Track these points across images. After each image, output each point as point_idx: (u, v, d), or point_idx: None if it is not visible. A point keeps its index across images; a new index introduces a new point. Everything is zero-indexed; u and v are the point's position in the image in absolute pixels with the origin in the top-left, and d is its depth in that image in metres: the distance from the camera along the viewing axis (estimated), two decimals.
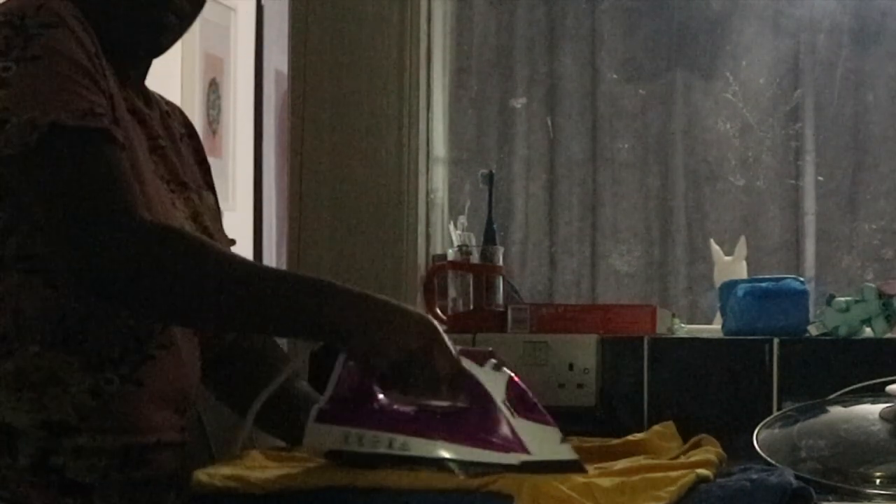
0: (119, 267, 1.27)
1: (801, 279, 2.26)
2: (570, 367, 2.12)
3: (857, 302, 2.11)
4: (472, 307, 2.28)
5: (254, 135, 4.08)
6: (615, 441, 1.66)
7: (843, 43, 3.90)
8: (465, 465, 1.30)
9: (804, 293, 2.18)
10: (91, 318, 1.34)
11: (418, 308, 2.26)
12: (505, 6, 4.04)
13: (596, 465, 1.43)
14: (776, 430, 1.75)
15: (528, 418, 1.33)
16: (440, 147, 2.42)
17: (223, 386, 1.63)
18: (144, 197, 1.36)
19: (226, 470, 1.39)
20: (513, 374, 1.37)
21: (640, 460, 1.48)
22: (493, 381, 1.34)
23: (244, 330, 1.50)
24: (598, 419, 2.09)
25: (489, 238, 2.32)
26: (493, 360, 1.37)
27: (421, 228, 2.33)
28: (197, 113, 3.64)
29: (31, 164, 1.28)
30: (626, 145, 4.03)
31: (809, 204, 3.91)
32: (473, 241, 2.32)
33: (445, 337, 1.35)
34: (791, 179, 3.93)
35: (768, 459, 1.62)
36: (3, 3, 1.40)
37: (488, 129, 4.01)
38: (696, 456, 1.49)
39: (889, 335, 2.11)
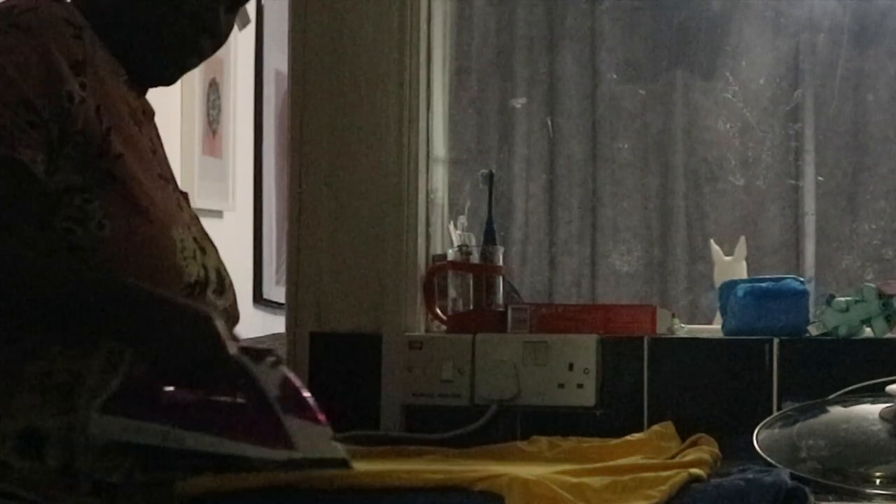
0: None
1: (801, 279, 2.26)
2: (570, 367, 2.12)
3: (857, 302, 2.11)
4: (472, 307, 2.28)
5: (254, 135, 4.08)
6: (614, 441, 1.66)
7: (843, 43, 3.90)
8: (231, 460, 1.31)
9: (804, 293, 2.18)
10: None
11: (417, 308, 2.28)
12: (505, 6, 4.04)
13: (592, 465, 1.43)
14: (776, 430, 1.75)
15: (299, 416, 1.34)
16: (440, 147, 2.42)
17: None
18: (152, 200, 1.37)
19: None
20: (288, 373, 1.38)
21: (636, 460, 1.48)
22: (268, 378, 1.34)
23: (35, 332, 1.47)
24: (598, 419, 2.09)
25: (489, 238, 2.32)
26: (272, 358, 1.37)
27: (421, 228, 2.33)
28: (197, 113, 3.63)
29: None
30: (626, 145, 4.03)
31: (809, 204, 3.91)
32: (473, 241, 2.32)
33: (221, 331, 1.34)
34: (791, 179, 3.93)
35: (768, 459, 1.62)
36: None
37: (488, 129, 4.01)
38: (690, 455, 1.49)
39: (889, 335, 2.11)
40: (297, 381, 1.37)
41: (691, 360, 2.10)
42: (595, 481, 1.31)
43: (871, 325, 2.12)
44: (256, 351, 1.36)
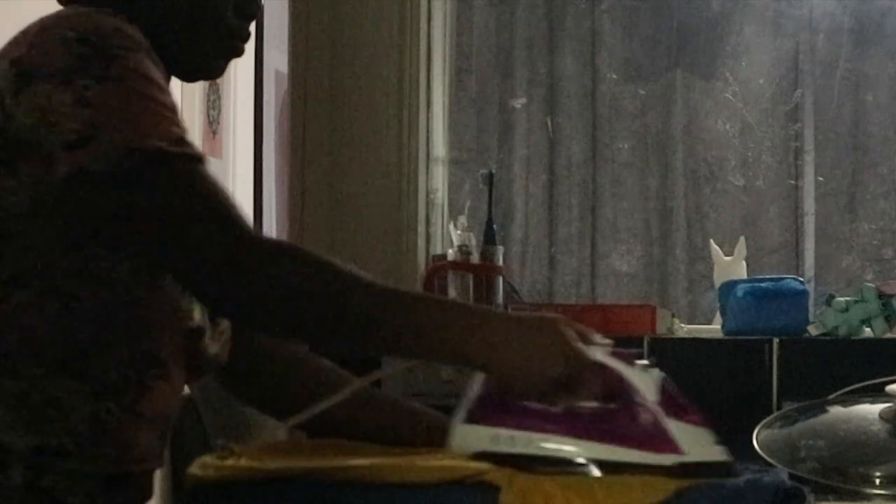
0: (244, 288, 1.27)
1: (801, 279, 2.26)
2: None
3: (856, 302, 2.11)
4: None
5: (254, 135, 4.08)
6: None
7: (842, 43, 3.91)
8: (618, 466, 1.28)
9: (804, 293, 2.18)
10: (96, 344, 1.34)
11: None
12: (505, 6, 4.05)
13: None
14: (776, 430, 1.75)
15: (680, 419, 1.32)
16: (440, 147, 2.42)
17: (265, 395, 1.61)
18: None
19: (217, 462, 1.39)
20: (664, 375, 1.35)
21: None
22: (645, 382, 1.32)
23: (365, 350, 1.49)
24: None
25: (489, 238, 2.32)
26: (644, 361, 1.34)
27: (421, 228, 2.33)
28: (197, 113, 3.64)
29: (125, 185, 1.28)
30: (626, 145, 4.03)
31: (809, 204, 3.91)
32: (473, 241, 2.32)
33: (572, 341, 1.32)
34: (791, 179, 3.93)
35: (768, 459, 1.62)
36: (63, 18, 1.39)
37: (488, 129, 4.02)
38: None
39: (889, 335, 2.11)
40: (672, 384, 1.34)
41: (691, 359, 2.10)
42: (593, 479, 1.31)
43: (870, 325, 2.12)
44: (627, 354, 1.33)
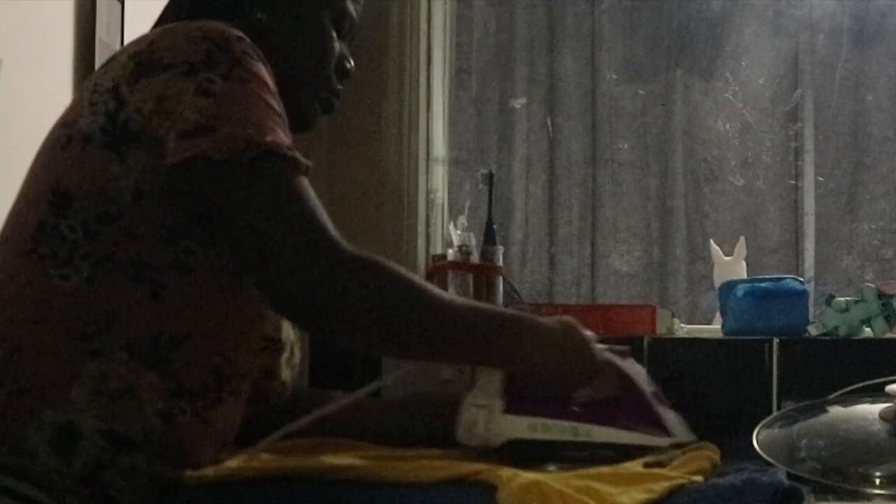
0: (325, 297, 1.31)
1: (801, 279, 2.26)
2: None
3: (856, 302, 2.11)
4: None
5: None
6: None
7: (842, 43, 3.91)
8: (630, 448, 1.47)
9: (804, 293, 2.18)
10: (186, 342, 1.34)
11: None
12: (505, 6, 4.05)
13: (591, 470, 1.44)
14: (776, 430, 1.75)
15: (664, 405, 1.53)
16: (440, 147, 2.42)
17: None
18: None
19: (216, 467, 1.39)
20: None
21: (637, 467, 1.48)
22: (639, 375, 1.53)
23: (424, 359, 1.55)
24: None
25: (489, 238, 2.32)
26: (630, 358, 1.55)
27: (421, 228, 2.33)
28: None
29: (236, 175, 1.30)
30: (626, 145, 4.03)
31: (809, 204, 3.91)
32: (473, 241, 2.32)
33: (608, 356, 1.51)
34: (791, 179, 3.93)
35: (768, 459, 1.62)
36: (187, 22, 1.40)
37: (488, 129, 4.02)
38: (691, 463, 1.49)
39: (889, 335, 2.11)
40: (649, 377, 1.55)
41: (691, 360, 2.10)
42: (591, 477, 1.32)
43: (870, 325, 2.12)
44: (616, 350, 1.53)
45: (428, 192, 2.36)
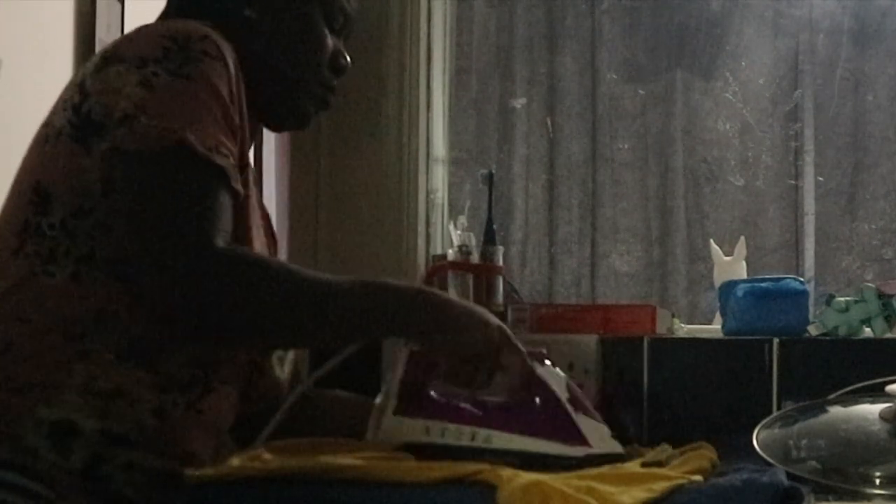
0: (192, 294, 1.29)
1: (801, 279, 2.26)
2: (570, 367, 2.12)
3: (856, 302, 2.11)
4: None
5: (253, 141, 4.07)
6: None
7: (842, 43, 3.90)
8: (537, 458, 1.39)
9: (804, 293, 2.18)
10: (170, 339, 1.34)
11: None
12: (505, 6, 4.05)
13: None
14: (776, 430, 1.75)
15: (585, 414, 1.43)
16: (440, 147, 2.42)
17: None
18: (250, 245, 1.40)
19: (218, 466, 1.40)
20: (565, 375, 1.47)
21: (636, 468, 1.48)
22: (555, 380, 1.43)
23: (319, 345, 1.53)
24: None
25: (489, 238, 2.32)
26: (548, 361, 1.46)
27: (421, 228, 2.33)
28: None
29: (142, 167, 1.29)
30: (626, 145, 4.03)
31: (809, 204, 3.91)
32: (473, 241, 2.32)
33: (515, 339, 1.42)
34: (791, 179, 3.93)
35: (768, 459, 1.62)
36: (161, 22, 1.41)
37: (488, 129, 4.01)
38: (690, 462, 1.49)
39: (889, 335, 2.11)
40: (573, 382, 1.46)
41: (691, 360, 2.10)
42: (594, 477, 1.32)
43: (870, 325, 2.12)
44: (531, 353, 1.44)
45: (428, 192, 2.36)
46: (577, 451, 1.40)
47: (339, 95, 2.29)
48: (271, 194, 4.17)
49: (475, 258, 2.30)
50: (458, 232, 2.33)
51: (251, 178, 1.51)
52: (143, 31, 1.39)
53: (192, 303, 1.29)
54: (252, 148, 1.59)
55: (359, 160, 2.29)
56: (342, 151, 2.29)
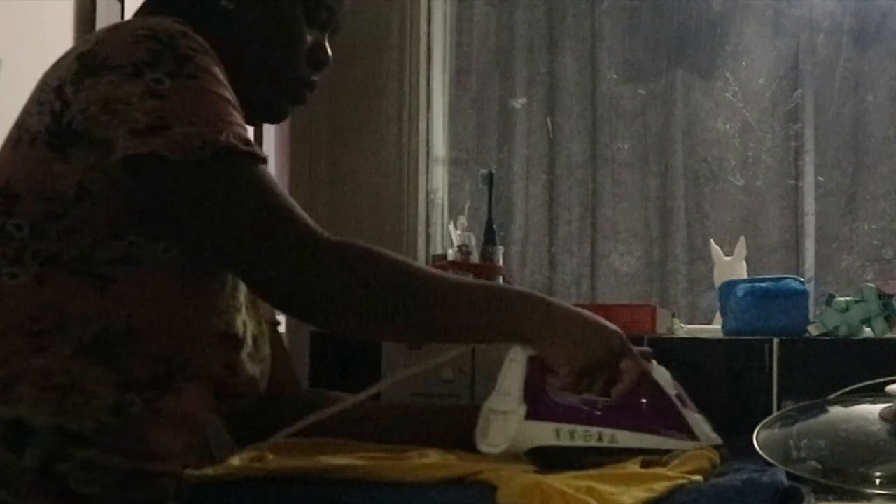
0: (308, 285, 1.31)
1: (801, 279, 2.26)
2: None
3: (856, 302, 2.11)
4: None
5: (254, 135, 4.08)
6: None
7: (843, 43, 3.90)
8: (659, 453, 1.45)
9: (804, 293, 2.18)
10: (132, 334, 1.34)
11: None
12: (505, 6, 4.04)
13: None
14: (776, 430, 1.75)
15: (690, 409, 1.51)
16: (440, 147, 2.42)
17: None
18: None
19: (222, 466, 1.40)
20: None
21: (636, 468, 1.49)
22: (664, 378, 1.51)
23: (428, 339, 1.53)
24: None
25: (489, 238, 2.32)
26: (654, 360, 1.53)
27: (421, 228, 2.33)
28: None
29: (197, 177, 1.29)
30: (626, 145, 4.03)
31: (809, 204, 3.91)
32: (473, 241, 2.32)
33: (631, 346, 1.47)
34: (791, 179, 3.93)
35: (768, 459, 1.62)
36: (133, 20, 1.41)
37: (488, 129, 4.01)
38: (690, 462, 1.49)
39: (889, 335, 2.11)
40: (674, 381, 1.53)
41: (691, 360, 2.10)
42: (594, 477, 1.32)
43: (871, 325, 2.12)
44: (641, 353, 1.50)
45: (428, 192, 2.36)
46: (689, 444, 1.47)
47: (338, 96, 2.29)
48: None
49: (475, 258, 2.30)
50: (458, 232, 2.33)
51: None
52: (118, 31, 1.37)
53: (313, 293, 1.31)
54: None
55: (359, 160, 2.29)
56: (342, 151, 2.29)
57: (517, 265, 3.94)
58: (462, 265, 2.30)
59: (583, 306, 1.50)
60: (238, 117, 1.35)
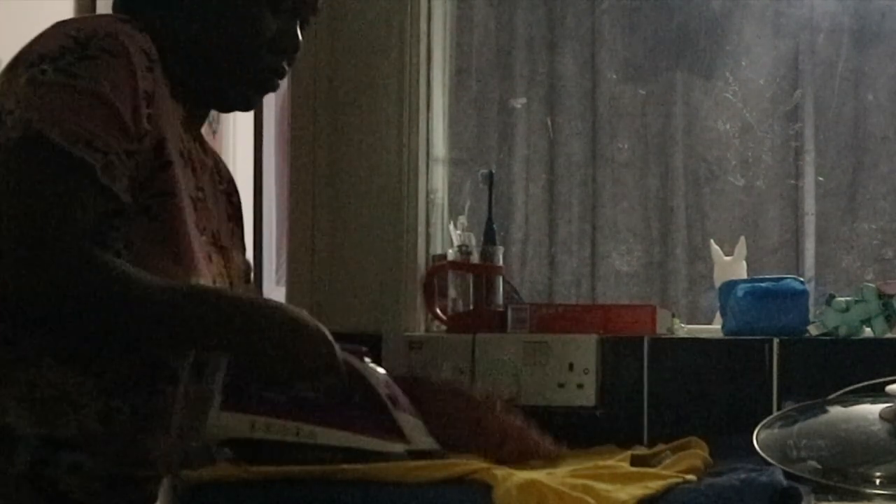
0: (40, 291, 1.25)
1: (801, 279, 2.26)
2: (570, 367, 2.12)
3: (856, 302, 2.11)
4: (471, 307, 2.28)
5: (254, 135, 4.08)
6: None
7: (843, 43, 3.90)
8: (358, 453, 1.41)
9: (804, 293, 2.18)
10: (110, 342, 1.34)
11: (417, 308, 2.28)
12: (505, 6, 4.05)
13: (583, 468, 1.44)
14: (776, 430, 1.75)
15: (403, 411, 1.47)
16: (440, 147, 2.42)
17: None
18: (181, 244, 1.37)
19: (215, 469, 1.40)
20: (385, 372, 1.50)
21: (627, 467, 1.49)
22: (375, 378, 1.46)
23: (146, 345, 1.47)
24: (598, 419, 2.09)
25: (489, 238, 2.32)
26: (369, 359, 1.48)
27: (421, 228, 2.33)
28: None
29: (6, 156, 1.28)
30: (626, 145, 4.03)
31: (809, 204, 3.91)
32: (473, 241, 2.32)
33: (336, 348, 1.41)
34: (791, 179, 3.93)
35: (768, 459, 1.62)
36: (76, 19, 1.40)
37: (488, 129, 4.01)
38: (683, 462, 1.49)
39: (889, 335, 2.10)
40: (390, 380, 1.49)
41: (691, 360, 2.10)
42: (589, 475, 1.32)
43: (871, 325, 2.12)
44: (352, 350, 1.46)
45: (428, 192, 2.36)
46: (397, 446, 1.44)
47: (339, 95, 2.29)
48: (271, 194, 4.18)
49: (475, 258, 2.30)
50: (458, 232, 2.33)
51: (197, 168, 1.48)
52: (55, 28, 1.37)
53: (24, 291, 1.25)
54: (199, 134, 1.55)
55: (359, 160, 2.29)
56: (341, 151, 2.29)
57: (517, 265, 3.94)
58: (462, 265, 2.30)
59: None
60: (95, 123, 1.29)
